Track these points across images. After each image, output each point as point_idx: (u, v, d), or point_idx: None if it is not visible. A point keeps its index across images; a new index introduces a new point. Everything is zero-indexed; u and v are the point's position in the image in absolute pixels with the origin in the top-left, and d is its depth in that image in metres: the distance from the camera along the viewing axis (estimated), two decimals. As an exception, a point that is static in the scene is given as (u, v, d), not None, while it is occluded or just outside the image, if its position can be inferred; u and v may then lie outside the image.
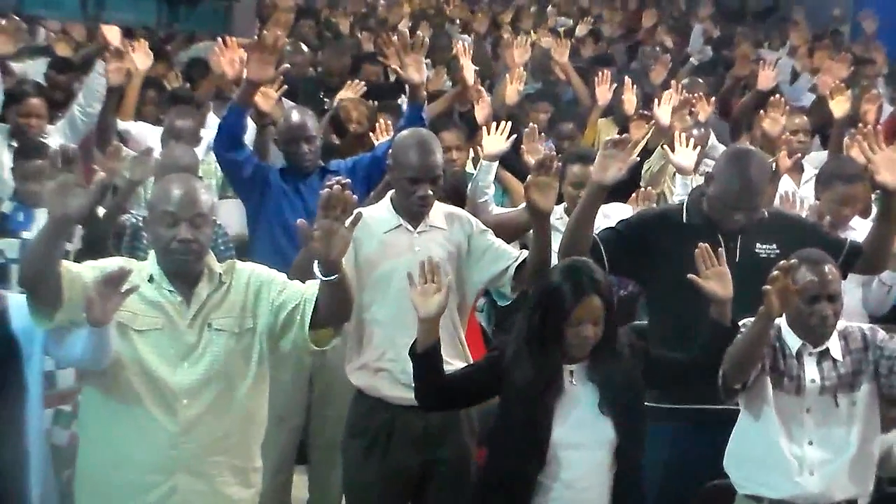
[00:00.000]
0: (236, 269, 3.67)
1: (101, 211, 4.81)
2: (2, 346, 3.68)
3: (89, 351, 3.41)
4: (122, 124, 6.49)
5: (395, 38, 5.70)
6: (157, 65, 7.48)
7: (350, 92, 6.79)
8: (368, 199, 4.77)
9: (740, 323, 3.82)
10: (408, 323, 3.87)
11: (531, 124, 6.28)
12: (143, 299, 3.52)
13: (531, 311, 3.77)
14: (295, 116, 5.39)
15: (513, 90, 7.22)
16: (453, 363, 4.00)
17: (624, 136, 4.24)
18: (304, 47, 8.88)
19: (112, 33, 6.41)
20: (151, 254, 3.63)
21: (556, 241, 4.22)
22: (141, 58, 6.71)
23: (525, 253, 4.26)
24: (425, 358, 3.69)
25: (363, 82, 7.19)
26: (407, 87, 5.68)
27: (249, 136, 5.81)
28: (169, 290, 3.56)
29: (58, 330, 3.50)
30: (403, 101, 6.91)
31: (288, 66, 6.00)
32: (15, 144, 5.60)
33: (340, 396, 4.60)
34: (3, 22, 7.01)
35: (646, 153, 6.18)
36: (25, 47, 7.98)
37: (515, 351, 3.75)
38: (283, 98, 6.56)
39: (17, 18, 6.97)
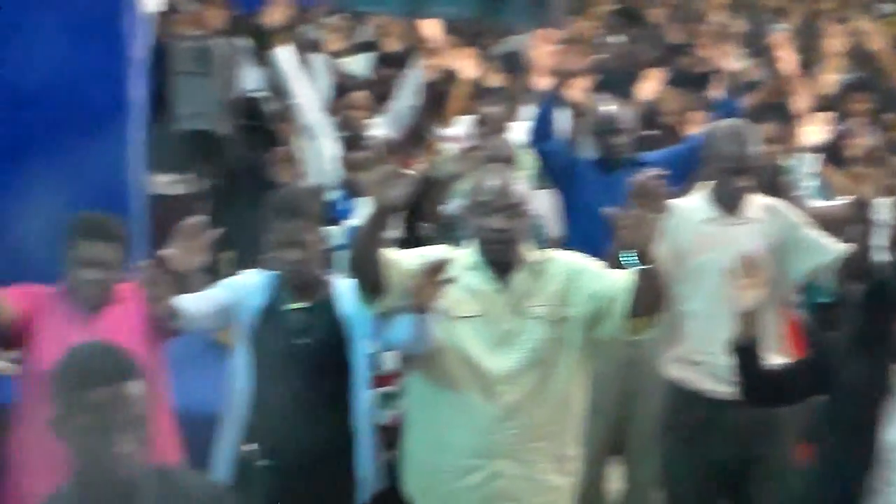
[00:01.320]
0: (552, 259, 3.72)
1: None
2: (332, 330, 3.85)
3: (413, 336, 3.53)
4: (442, 131, 6.65)
5: (707, 28, 5.63)
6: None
7: (655, 83, 6.72)
8: (683, 190, 4.74)
9: None
10: (724, 316, 3.83)
11: (854, 115, 6.08)
12: (463, 287, 3.60)
13: (858, 308, 3.65)
14: (606, 108, 5.42)
15: (830, 79, 7.00)
16: (772, 359, 3.93)
17: None
18: (617, 38, 8.87)
19: (431, 27, 6.58)
20: (471, 243, 3.74)
21: (882, 237, 4.08)
22: (468, 66, 6.85)
23: (846, 247, 4.14)
24: (745, 353, 3.64)
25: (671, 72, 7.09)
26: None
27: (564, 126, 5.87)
28: (487, 279, 3.65)
29: (383, 314, 3.66)
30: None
31: (599, 57, 6.05)
32: (342, 136, 5.86)
33: (656, 388, 4.59)
34: (334, 20, 7.33)
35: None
36: (353, 43, 8.33)
37: (842, 349, 3.65)
38: (596, 89, 6.59)
39: (345, 15, 7.28)
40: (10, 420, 3.77)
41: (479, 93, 7.11)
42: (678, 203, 4.15)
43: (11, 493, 3.69)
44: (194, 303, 3.75)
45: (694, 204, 4.27)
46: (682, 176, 5.16)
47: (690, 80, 7.65)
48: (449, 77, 6.86)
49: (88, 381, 2.45)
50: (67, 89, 4.92)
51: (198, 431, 3.95)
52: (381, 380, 4.13)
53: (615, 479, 5.24)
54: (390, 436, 3.99)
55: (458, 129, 6.65)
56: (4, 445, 3.76)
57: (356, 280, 3.58)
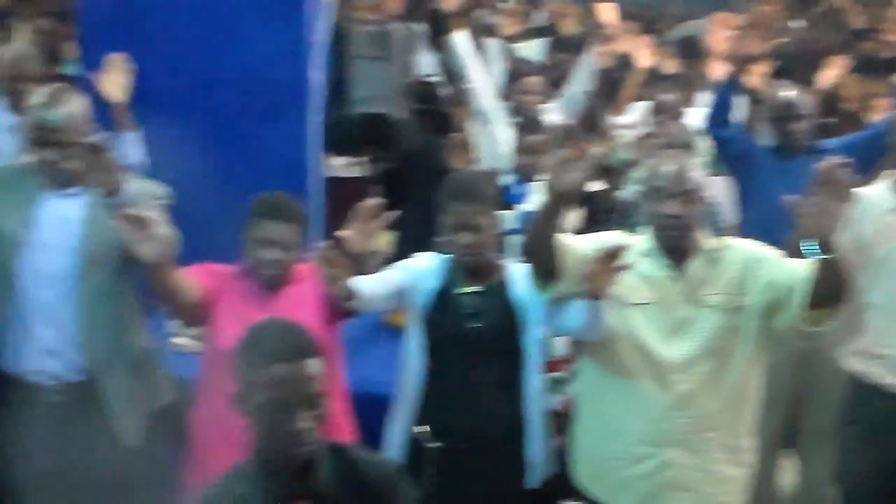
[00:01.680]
0: (729, 246, 3.67)
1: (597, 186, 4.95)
2: (504, 314, 3.85)
3: (586, 322, 3.52)
4: (615, 118, 6.60)
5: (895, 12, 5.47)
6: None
7: (837, 69, 6.56)
8: (867, 178, 4.61)
9: None
10: (908, 309, 3.72)
11: None
12: (637, 273, 3.57)
13: None
14: (785, 94, 5.30)
15: None
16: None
17: None
18: (798, 22, 8.67)
19: (607, 12, 6.54)
20: (646, 229, 3.70)
21: None
22: (643, 54, 6.78)
23: None
24: None
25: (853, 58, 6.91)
26: None
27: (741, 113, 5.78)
28: (662, 266, 3.62)
29: (556, 300, 3.65)
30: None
31: (778, 42, 5.94)
32: (515, 121, 5.86)
33: (833, 382, 4.48)
34: (510, 4, 7.33)
35: None
36: (528, 28, 8.33)
37: None
38: (775, 75, 6.46)
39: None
40: (192, 395, 3.89)
41: (655, 79, 7.04)
42: (863, 192, 4.04)
43: (193, 466, 3.80)
44: (369, 284, 3.79)
45: (879, 193, 4.14)
46: (865, 164, 5.01)
47: (875, 66, 7.44)
48: (624, 64, 6.81)
49: (269, 358, 2.51)
50: (250, 71, 5.04)
51: (370, 412, 4.01)
52: (551, 365, 4.12)
53: (788, 473, 5.14)
54: (560, 421, 3.98)
55: (632, 116, 6.59)
56: (187, 420, 3.88)
57: (530, 265, 3.58)
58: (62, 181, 3.83)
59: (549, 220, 3.45)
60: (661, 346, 3.55)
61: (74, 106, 3.80)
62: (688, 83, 6.86)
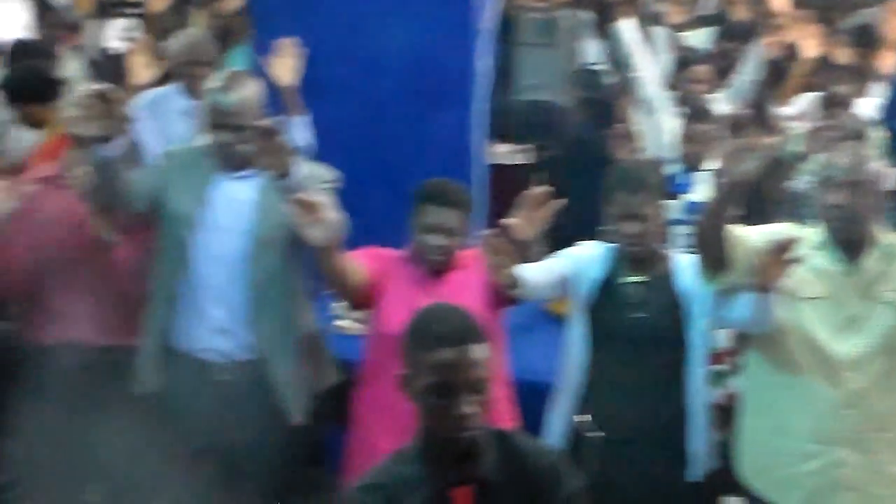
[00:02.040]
0: (907, 242, 3.57)
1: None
2: (669, 304, 3.80)
3: (753, 315, 3.46)
4: (781, 109, 6.45)
5: None
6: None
7: None
8: None
9: None
10: None
11: None
12: (809, 267, 3.50)
13: None
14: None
15: None
16: None
17: None
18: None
19: (779, 1, 6.40)
20: (819, 222, 3.61)
21: None
22: (810, 44, 6.61)
23: None
24: None
25: None
26: None
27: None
28: (835, 259, 3.53)
29: (724, 291, 3.59)
30: None
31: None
32: (682, 110, 5.78)
33: None
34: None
35: None
36: (695, 16, 8.20)
37: None
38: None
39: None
40: (356, 378, 3.94)
41: (827, 69, 6.86)
42: None
43: (357, 448, 3.85)
44: (534, 272, 3.79)
45: None
46: None
47: None
48: (792, 53, 6.65)
49: (434, 342, 2.52)
50: (417, 57, 5.08)
51: (531, 400, 4.00)
52: (714, 357, 4.05)
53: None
54: (722, 415, 3.92)
55: (797, 106, 6.44)
56: (351, 402, 3.93)
57: (700, 255, 3.53)
58: (236, 164, 3.91)
59: (722, 210, 3.40)
60: (833, 342, 3.47)
61: (249, 90, 3.88)
62: (861, 73, 6.66)
